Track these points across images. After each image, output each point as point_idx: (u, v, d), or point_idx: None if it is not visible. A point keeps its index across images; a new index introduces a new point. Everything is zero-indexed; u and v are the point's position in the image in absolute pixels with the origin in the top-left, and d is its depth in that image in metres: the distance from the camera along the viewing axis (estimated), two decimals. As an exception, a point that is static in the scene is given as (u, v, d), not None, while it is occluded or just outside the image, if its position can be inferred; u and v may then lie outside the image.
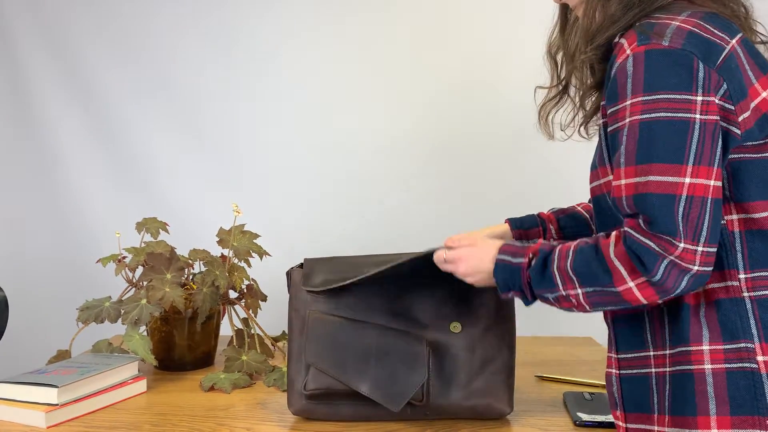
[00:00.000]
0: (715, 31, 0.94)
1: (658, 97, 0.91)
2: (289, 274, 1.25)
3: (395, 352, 1.15)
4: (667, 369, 0.98)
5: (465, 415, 1.18)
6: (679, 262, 0.89)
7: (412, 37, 2.10)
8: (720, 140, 0.92)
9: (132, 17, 2.13)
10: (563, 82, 1.15)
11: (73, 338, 1.50)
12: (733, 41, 0.95)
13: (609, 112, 0.97)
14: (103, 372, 1.29)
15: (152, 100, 2.15)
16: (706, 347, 0.94)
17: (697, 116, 0.90)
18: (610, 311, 1.04)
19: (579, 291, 0.96)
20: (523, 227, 1.31)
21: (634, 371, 1.02)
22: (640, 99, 0.91)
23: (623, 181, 0.93)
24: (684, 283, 0.90)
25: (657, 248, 0.89)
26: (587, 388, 1.37)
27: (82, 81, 2.15)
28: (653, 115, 0.90)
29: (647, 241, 0.90)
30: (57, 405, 1.19)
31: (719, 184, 0.91)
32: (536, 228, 1.31)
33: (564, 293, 0.98)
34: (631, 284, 0.92)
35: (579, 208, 1.33)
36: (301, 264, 1.27)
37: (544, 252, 1.02)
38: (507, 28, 2.08)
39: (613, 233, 0.96)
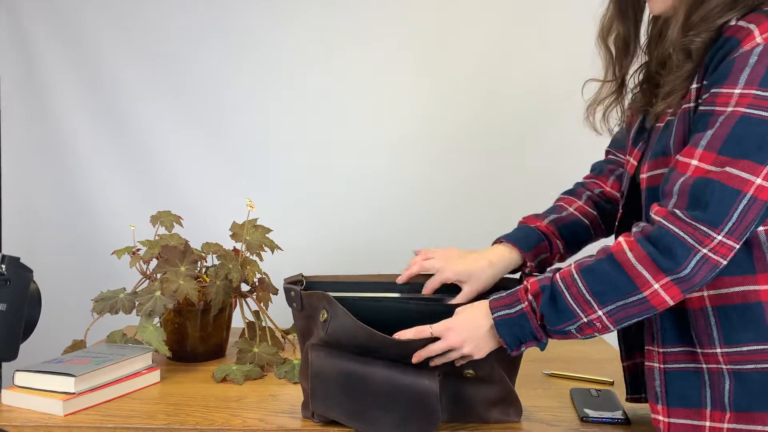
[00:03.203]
0: None
1: None
2: (293, 291, 1.18)
3: (407, 397, 1.06)
4: (725, 366, 0.96)
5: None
6: (712, 255, 0.87)
7: (425, 36, 2.12)
8: None
9: (150, 14, 2.15)
10: (620, 76, 1.07)
11: (88, 328, 1.52)
12: None
13: (711, 91, 0.91)
14: (118, 362, 1.32)
15: (168, 95, 2.17)
16: None
17: None
18: None
19: (600, 312, 0.94)
20: (530, 246, 1.20)
21: (681, 365, 1.00)
22: (752, 92, 0.88)
23: (695, 162, 0.89)
24: (709, 279, 0.90)
25: (691, 239, 0.87)
26: (594, 384, 1.38)
27: (100, 76, 2.16)
28: (758, 111, 0.87)
29: (680, 232, 0.88)
30: (74, 393, 1.22)
31: None
32: (543, 242, 1.21)
33: (586, 320, 0.95)
34: (656, 286, 0.90)
35: (573, 212, 1.25)
36: (301, 281, 1.23)
37: (546, 286, 0.97)
38: (511, 30, 2.09)
39: (621, 240, 0.94)
